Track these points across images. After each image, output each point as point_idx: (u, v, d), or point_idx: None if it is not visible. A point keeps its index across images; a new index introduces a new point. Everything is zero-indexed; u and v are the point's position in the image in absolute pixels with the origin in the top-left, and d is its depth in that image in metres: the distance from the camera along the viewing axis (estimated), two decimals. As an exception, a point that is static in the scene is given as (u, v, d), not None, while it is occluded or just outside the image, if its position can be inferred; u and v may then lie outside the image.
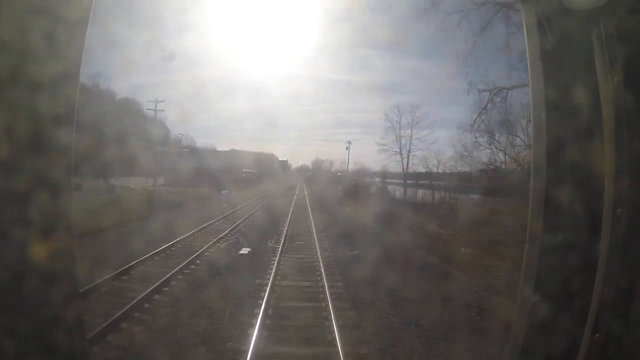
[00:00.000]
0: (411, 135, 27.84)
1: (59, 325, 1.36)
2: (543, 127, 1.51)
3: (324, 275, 8.32)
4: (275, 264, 9.13)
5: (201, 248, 10.48)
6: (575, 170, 1.48)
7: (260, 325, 5.67)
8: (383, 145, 28.79)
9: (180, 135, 38.15)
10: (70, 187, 1.39)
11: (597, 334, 1.39)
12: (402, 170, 28.50)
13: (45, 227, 1.33)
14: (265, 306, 6.38)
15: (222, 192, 28.47)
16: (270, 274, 8.35)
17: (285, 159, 60.32)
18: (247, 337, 5.36)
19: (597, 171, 1.44)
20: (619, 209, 1.37)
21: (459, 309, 6.56)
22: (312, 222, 16.24)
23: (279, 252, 10.47)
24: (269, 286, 7.40)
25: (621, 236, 1.37)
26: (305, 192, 35.58)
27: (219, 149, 41.21)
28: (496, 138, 15.84)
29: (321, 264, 9.36)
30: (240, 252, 10.64)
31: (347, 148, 39.81)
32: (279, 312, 6.48)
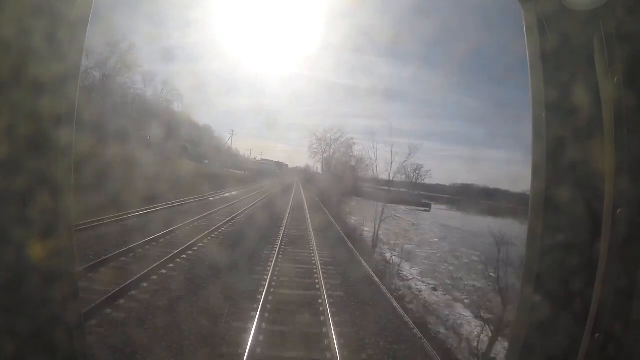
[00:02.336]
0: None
1: (59, 325, 1.36)
2: (543, 127, 1.51)
3: (299, 182, 62.21)
4: (297, 180, 64.73)
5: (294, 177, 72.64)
6: (575, 170, 1.48)
7: (298, 182, 60.93)
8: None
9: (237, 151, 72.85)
10: (70, 187, 1.39)
11: (597, 334, 1.39)
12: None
13: (45, 227, 1.33)
14: (297, 181, 63.62)
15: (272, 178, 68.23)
16: (296, 180, 65.81)
17: (287, 164, 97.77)
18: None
19: (597, 171, 1.44)
20: (619, 209, 1.37)
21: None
22: (301, 183, 62.22)
23: (297, 182, 62.32)
24: (296, 182, 61.09)
25: (621, 236, 1.36)
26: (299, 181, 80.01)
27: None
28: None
29: (299, 181, 64.35)
30: (288, 182, 60.33)
31: (318, 163, 74.38)
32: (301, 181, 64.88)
